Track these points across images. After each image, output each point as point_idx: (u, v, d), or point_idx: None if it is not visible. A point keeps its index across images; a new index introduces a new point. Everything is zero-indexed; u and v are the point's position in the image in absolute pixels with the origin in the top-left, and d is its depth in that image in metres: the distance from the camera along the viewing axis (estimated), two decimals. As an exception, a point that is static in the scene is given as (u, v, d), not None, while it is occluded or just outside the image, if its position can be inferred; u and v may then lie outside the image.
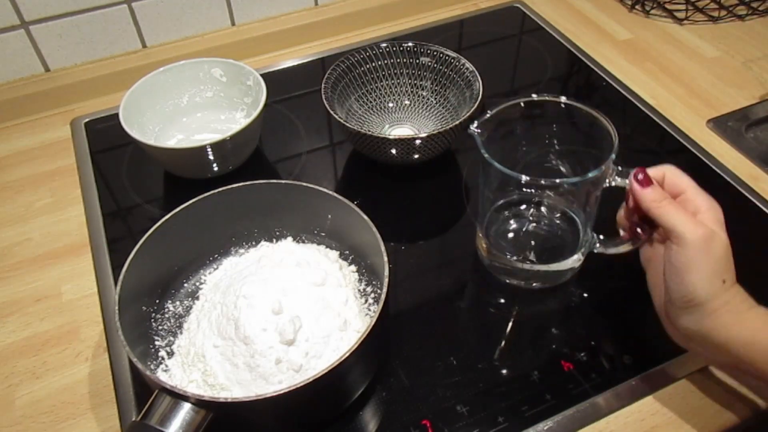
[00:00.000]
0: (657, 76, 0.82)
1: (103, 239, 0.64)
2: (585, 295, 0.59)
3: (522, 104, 0.55)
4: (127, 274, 0.48)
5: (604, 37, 0.90)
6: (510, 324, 0.57)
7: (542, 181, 0.50)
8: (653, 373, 0.52)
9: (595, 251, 0.56)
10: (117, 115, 0.65)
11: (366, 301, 0.55)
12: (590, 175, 0.49)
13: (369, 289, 0.55)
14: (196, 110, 0.75)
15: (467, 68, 0.70)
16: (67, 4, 0.76)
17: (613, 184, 0.51)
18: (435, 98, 0.75)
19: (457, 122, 0.63)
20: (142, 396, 0.52)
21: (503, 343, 0.55)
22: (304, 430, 0.49)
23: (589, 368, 0.52)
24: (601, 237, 0.56)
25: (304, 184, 0.54)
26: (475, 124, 0.52)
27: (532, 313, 0.57)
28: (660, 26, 0.91)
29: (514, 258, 0.57)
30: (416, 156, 0.66)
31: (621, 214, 0.53)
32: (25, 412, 0.52)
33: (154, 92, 0.71)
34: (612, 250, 0.54)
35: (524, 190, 0.59)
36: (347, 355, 0.42)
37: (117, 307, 0.46)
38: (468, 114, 0.64)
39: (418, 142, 0.63)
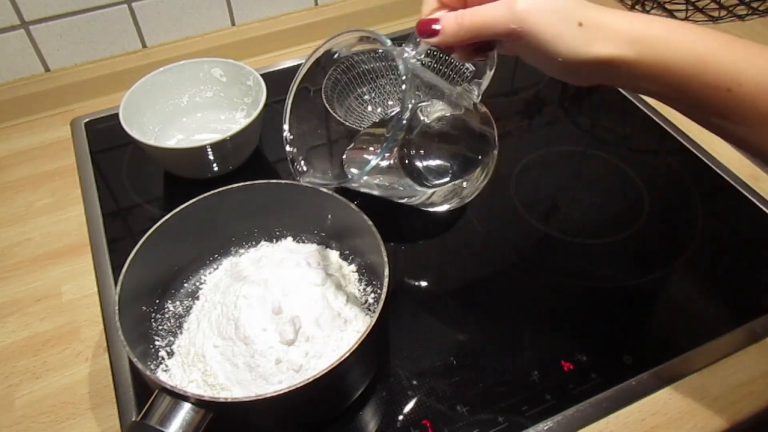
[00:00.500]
0: (657, 76, 0.82)
1: (103, 239, 0.64)
2: (584, 294, 0.59)
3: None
4: (127, 274, 0.48)
5: (604, 37, 0.90)
6: (510, 323, 0.57)
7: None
8: (653, 373, 0.52)
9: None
10: (117, 115, 0.65)
11: (366, 301, 0.55)
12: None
13: (369, 289, 0.55)
14: (196, 110, 0.75)
15: (467, 68, 0.70)
16: (67, 4, 0.76)
17: (419, 57, 0.46)
18: (435, 98, 0.75)
19: (457, 122, 0.63)
20: (142, 396, 0.52)
21: (503, 343, 0.55)
22: (304, 430, 0.49)
23: (589, 368, 0.52)
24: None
25: (305, 183, 0.54)
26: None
27: (532, 313, 0.57)
28: (660, 26, 0.91)
29: None
30: None
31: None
32: (25, 412, 0.52)
33: (154, 92, 0.71)
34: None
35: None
36: (347, 355, 0.42)
37: (117, 307, 0.46)
38: None
39: None
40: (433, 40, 0.42)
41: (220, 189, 0.54)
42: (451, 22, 0.41)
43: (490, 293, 0.59)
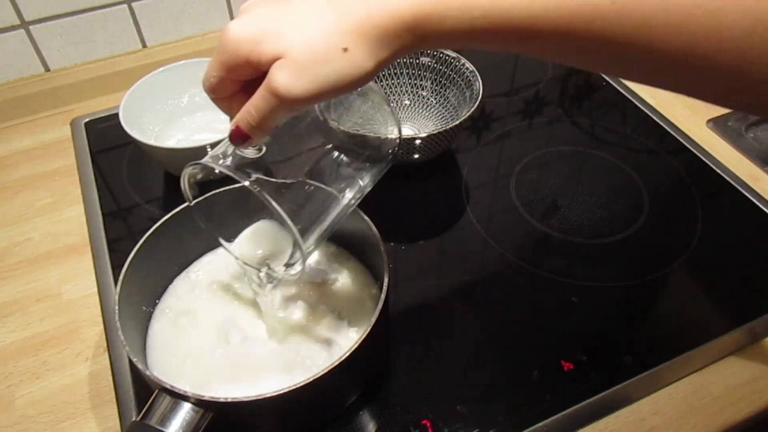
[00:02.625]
0: (657, 76, 0.82)
1: (103, 239, 0.64)
2: (585, 295, 0.59)
3: None
4: (127, 274, 0.48)
5: (604, 36, 0.90)
6: (510, 323, 0.57)
7: None
8: (653, 373, 0.52)
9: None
10: (117, 114, 0.65)
11: (365, 301, 0.55)
12: None
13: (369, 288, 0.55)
14: (196, 110, 0.75)
15: (467, 68, 0.70)
16: (67, 4, 0.76)
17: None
18: (435, 98, 0.75)
19: (457, 122, 0.63)
20: (142, 396, 0.52)
21: (503, 342, 0.55)
22: (304, 429, 0.49)
23: (589, 368, 0.52)
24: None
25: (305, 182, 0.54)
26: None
27: (532, 313, 0.57)
28: (660, 26, 0.91)
29: None
30: (416, 156, 0.66)
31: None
32: (25, 411, 0.52)
33: (154, 92, 0.71)
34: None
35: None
36: (347, 355, 0.42)
37: (117, 307, 0.46)
38: (468, 114, 0.64)
39: (418, 141, 0.63)
40: (249, 142, 0.38)
41: (220, 189, 0.54)
42: (247, 119, 0.36)
43: (489, 293, 0.59)
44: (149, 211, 0.68)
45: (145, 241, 0.50)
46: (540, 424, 0.49)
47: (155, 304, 0.54)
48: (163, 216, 0.52)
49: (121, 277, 0.47)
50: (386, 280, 0.47)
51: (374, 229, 0.50)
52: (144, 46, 0.84)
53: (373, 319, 0.43)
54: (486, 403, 0.50)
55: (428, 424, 0.49)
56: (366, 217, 0.51)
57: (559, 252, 0.62)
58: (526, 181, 0.70)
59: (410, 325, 0.56)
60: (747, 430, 0.51)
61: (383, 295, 0.45)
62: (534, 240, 0.64)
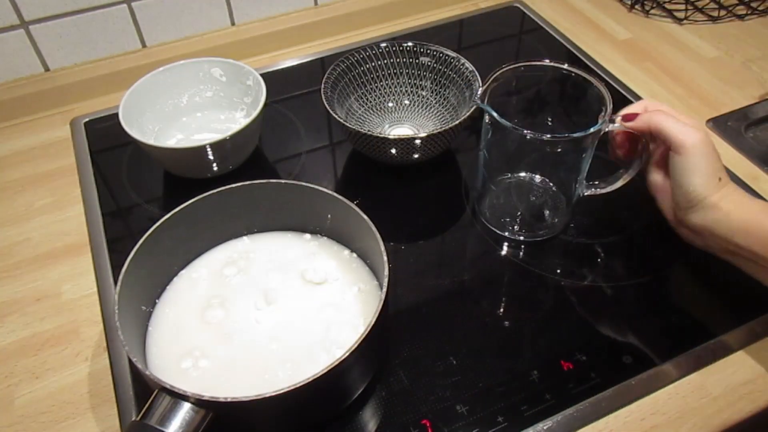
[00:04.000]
0: (656, 76, 0.82)
1: (102, 239, 0.64)
2: (585, 295, 0.59)
3: (522, 68, 0.61)
4: (127, 273, 0.48)
5: (603, 36, 0.90)
6: (510, 323, 0.57)
7: (547, 136, 0.54)
8: (653, 373, 0.52)
9: (586, 194, 0.60)
10: (117, 114, 0.65)
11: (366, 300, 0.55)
12: (592, 129, 0.53)
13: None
14: (195, 110, 0.75)
15: (467, 68, 0.70)
16: (67, 4, 0.76)
17: (607, 128, 0.55)
18: (435, 98, 0.75)
19: (457, 122, 0.63)
20: (142, 396, 0.52)
21: (503, 342, 0.55)
22: (304, 429, 0.49)
23: (589, 368, 0.52)
24: (595, 182, 0.60)
25: (304, 183, 0.54)
26: (479, 92, 0.56)
27: (532, 313, 0.57)
28: (659, 26, 0.91)
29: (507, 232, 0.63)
30: (416, 156, 0.66)
31: (614, 152, 0.60)
32: (25, 411, 0.52)
33: (154, 92, 0.71)
34: (608, 188, 0.60)
35: (530, 155, 0.64)
36: (347, 354, 0.42)
37: (116, 307, 0.46)
38: (468, 114, 0.64)
39: (417, 141, 0.63)
40: (630, 124, 0.54)
41: (220, 189, 0.54)
42: (646, 114, 0.54)
43: (489, 293, 0.59)
44: (149, 211, 0.68)
45: (144, 241, 0.50)
46: (540, 424, 0.49)
47: (155, 304, 0.54)
48: (163, 216, 0.52)
49: (120, 277, 0.47)
50: (386, 280, 0.47)
51: (374, 229, 0.50)
52: (144, 46, 0.84)
53: (373, 319, 0.44)
54: (486, 403, 0.50)
55: (428, 424, 0.49)
56: (366, 217, 0.51)
57: (559, 252, 0.62)
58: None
59: (410, 325, 0.56)
60: (747, 430, 0.51)
61: (383, 295, 0.45)
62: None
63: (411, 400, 0.51)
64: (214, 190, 0.54)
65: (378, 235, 0.49)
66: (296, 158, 0.73)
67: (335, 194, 0.53)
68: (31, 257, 0.64)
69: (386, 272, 0.47)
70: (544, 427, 0.49)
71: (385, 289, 0.46)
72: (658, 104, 0.55)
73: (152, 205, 0.68)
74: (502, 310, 0.58)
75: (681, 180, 0.51)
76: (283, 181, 0.55)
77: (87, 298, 0.60)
